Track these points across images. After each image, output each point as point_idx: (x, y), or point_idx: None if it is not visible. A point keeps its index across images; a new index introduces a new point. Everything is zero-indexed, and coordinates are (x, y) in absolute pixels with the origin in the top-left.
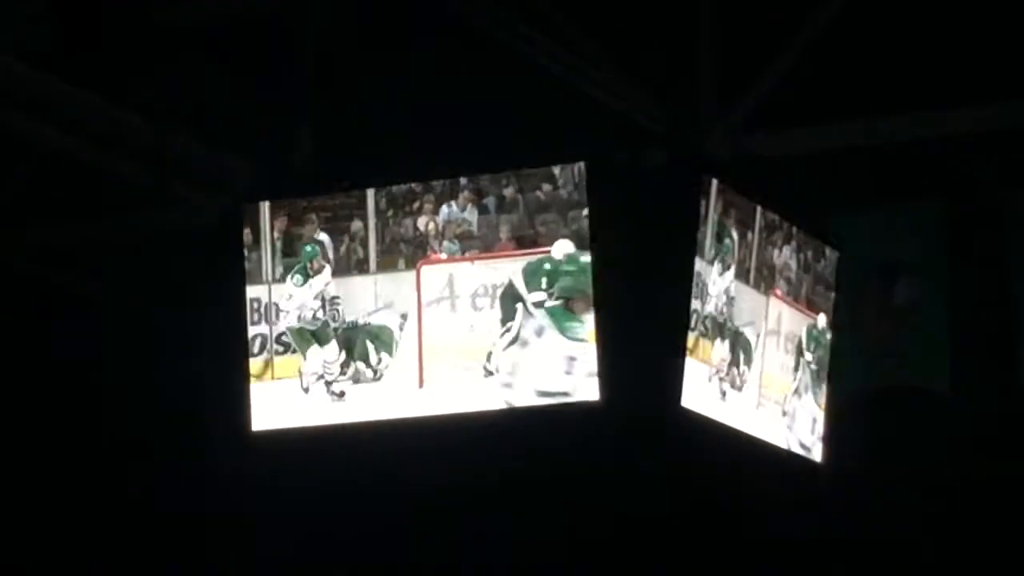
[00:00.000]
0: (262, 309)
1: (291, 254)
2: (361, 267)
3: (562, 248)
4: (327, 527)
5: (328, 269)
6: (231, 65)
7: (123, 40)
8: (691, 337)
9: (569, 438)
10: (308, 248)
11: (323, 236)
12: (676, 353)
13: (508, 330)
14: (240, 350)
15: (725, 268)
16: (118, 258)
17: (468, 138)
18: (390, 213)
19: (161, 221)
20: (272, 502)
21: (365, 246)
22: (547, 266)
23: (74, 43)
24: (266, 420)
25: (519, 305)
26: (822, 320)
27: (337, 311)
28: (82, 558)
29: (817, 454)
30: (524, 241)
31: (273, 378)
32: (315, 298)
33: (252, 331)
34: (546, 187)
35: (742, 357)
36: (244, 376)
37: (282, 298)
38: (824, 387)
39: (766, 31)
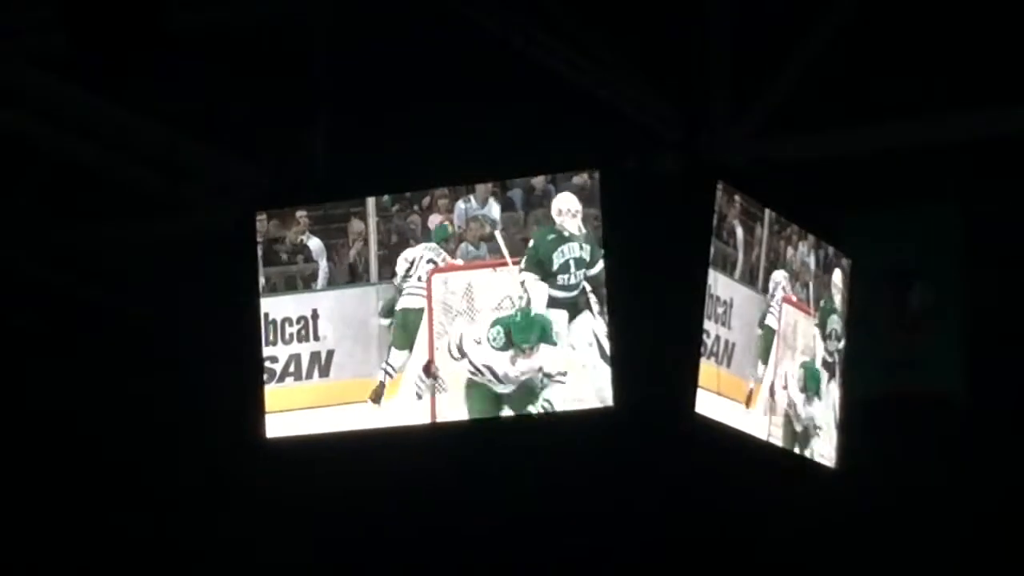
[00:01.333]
0: (271, 327)
1: (273, 262)
2: (356, 275)
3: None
4: (340, 534)
5: (544, 358)
6: (244, 71)
7: (135, 45)
8: (706, 366)
9: (583, 443)
10: (519, 319)
11: (314, 241)
12: (690, 358)
13: None
14: (254, 359)
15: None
16: (131, 263)
17: (480, 144)
18: (395, 210)
19: (173, 227)
20: (285, 510)
21: (364, 251)
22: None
23: (86, 48)
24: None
25: None
26: (834, 321)
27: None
28: (90, 562)
29: (832, 460)
30: None
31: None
32: (518, 371)
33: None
34: (583, 174)
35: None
36: (258, 382)
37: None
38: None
39: (780, 36)
